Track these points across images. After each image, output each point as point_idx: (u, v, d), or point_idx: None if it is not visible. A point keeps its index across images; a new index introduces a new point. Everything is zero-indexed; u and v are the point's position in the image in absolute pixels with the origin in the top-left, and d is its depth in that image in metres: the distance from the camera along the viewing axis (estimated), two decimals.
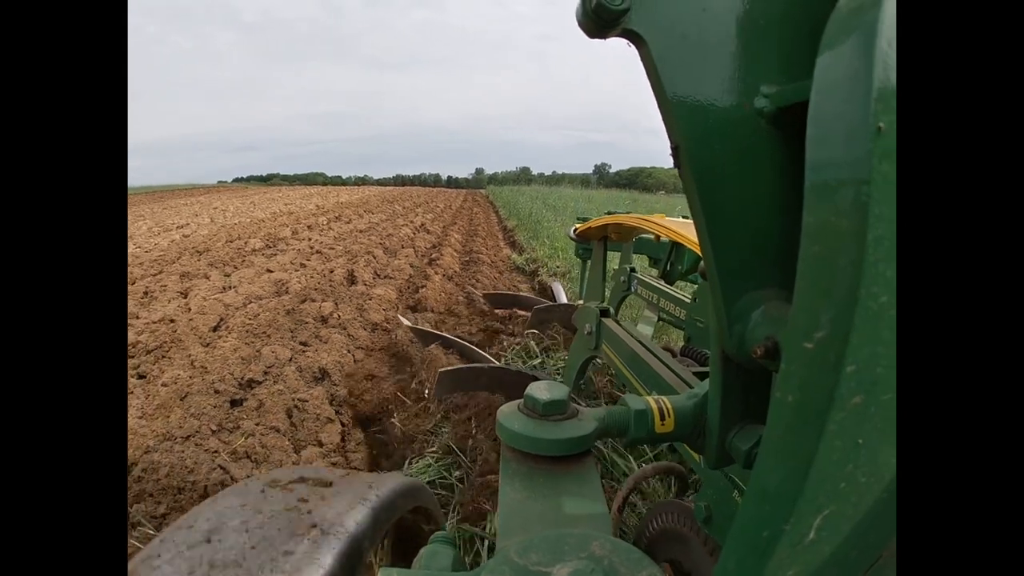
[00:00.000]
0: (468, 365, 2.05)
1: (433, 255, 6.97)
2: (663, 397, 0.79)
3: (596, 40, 0.49)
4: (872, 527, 0.36)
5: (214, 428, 2.16)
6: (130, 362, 3.10)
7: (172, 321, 3.82)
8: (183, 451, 1.99)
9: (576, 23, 0.48)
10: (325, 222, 10.76)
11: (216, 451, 2.01)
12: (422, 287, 4.82)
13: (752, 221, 0.54)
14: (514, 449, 0.73)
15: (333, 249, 6.98)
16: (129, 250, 7.39)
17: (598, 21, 0.46)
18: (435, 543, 0.62)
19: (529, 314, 3.04)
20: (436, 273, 5.56)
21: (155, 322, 3.88)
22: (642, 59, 0.49)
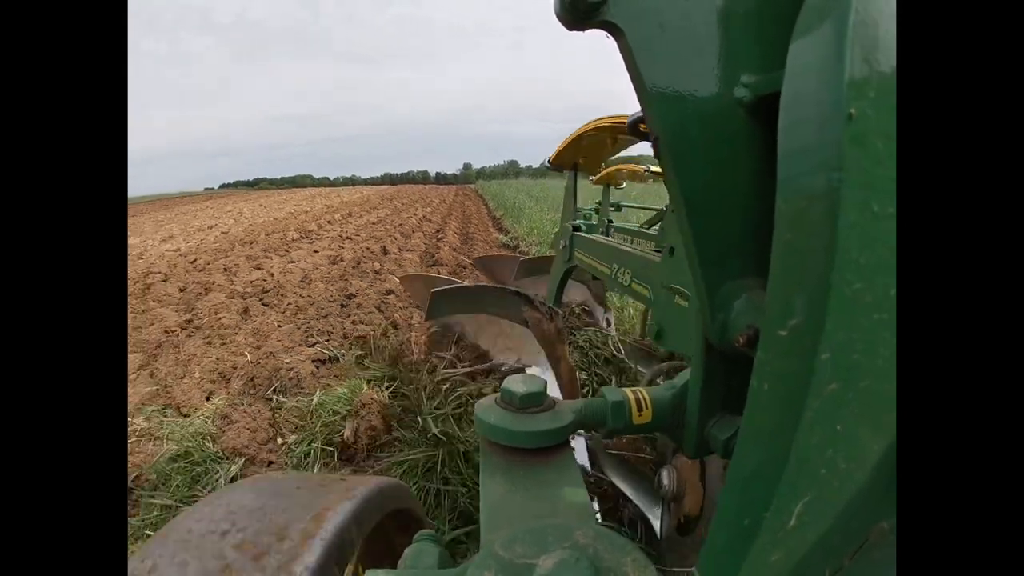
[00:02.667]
0: (462, 284, 2.07)
1: (439, 236, 8.71)
2: (640, 388, 0.80)
3: (575, 32, 0.48)
4: (856, 512, 0.36)
5: (336, 312, 3.92)
6: (249, 300, 4.76)
7: (264, 281, 5.53)
8: (326, 319, 3.75)
9: (554, 15, 0.48)
10: (340, 217, 12.49)
11: (342, 321, 3.76)
12: (436, 253, 6.59)
13: (733, 210, 0.54)
14: (493, 443, 0.74)
15: (359, 235, 8.73)
16: (183, 245, 9.03)
17: (575, 13, 0.46)
18: (420, 542, 0.61)
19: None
20: (444, 246, 7.30)
21: (251, 281, 5.58)
22: (620, 50, 0.49)
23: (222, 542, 0.56)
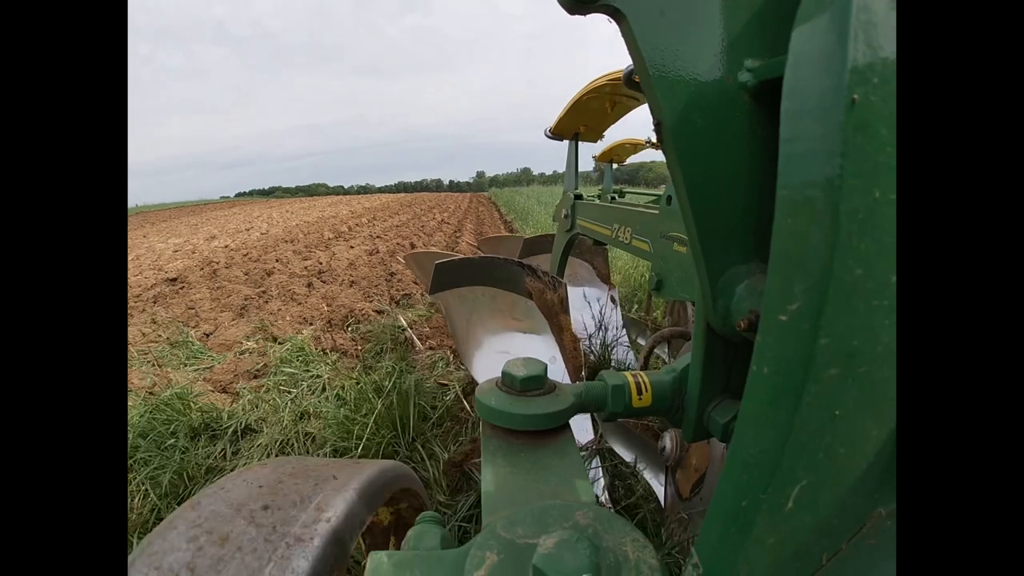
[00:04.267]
0: (465, 257, 2.01)
1: (457, 235, 9.94)
2: (640, 372, 0.80)
3: (576, 16, 0.49)
4: (853, 498, 0.36)
5: (383, 284, 5.12)
6: (312, 278, 5.93)
7: (317, 267, 6.73)
8: (377, 287, 4.94)
9: (560, 13, 0.47)
10: (366, 221, 13.81)
11: (388, 289, 4.96)
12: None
13: (735, 196, 0.54)
14: (494, 426, 0.75)
15: (387, 235, 9.99)
16: (230, 242, 10.26)
17: None
18: (423, 523, 0.62)
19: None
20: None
21: (306, 267, 6.77)
22: (623, 34, 0.49)
23: (237, 516, 0.60)
